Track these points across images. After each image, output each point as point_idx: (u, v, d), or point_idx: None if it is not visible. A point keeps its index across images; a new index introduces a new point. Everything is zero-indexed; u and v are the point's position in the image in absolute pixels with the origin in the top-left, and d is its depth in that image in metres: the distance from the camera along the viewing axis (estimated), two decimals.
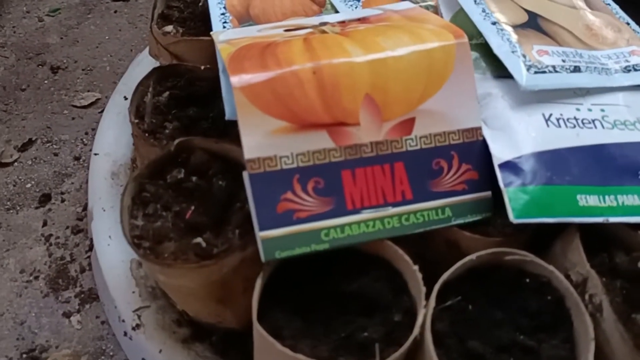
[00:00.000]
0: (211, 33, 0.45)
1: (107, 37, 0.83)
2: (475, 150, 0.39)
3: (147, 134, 0.45)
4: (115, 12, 0.87)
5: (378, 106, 0.38)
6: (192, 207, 0.39)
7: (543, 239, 0.40)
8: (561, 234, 0.39)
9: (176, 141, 0.40)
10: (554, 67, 0.41)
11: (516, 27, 0.44)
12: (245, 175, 0.35)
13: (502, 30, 0.43)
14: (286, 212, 0.35)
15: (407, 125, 0.38)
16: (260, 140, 0.35)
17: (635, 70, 0.44)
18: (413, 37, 0.40)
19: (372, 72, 0.38)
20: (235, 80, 0.36)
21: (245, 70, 0.36)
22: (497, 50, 0.41)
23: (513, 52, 0.41)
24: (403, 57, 0.38)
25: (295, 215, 0.35)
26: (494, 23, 0.43)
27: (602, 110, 0.41)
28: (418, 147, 0.38)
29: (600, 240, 0.38)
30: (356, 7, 0.50)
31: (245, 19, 0.49)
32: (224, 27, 0.48)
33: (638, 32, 0.47)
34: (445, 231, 0.39)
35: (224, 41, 0.42)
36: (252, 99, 0.36)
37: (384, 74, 0.38)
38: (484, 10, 0.45)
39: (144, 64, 0.64)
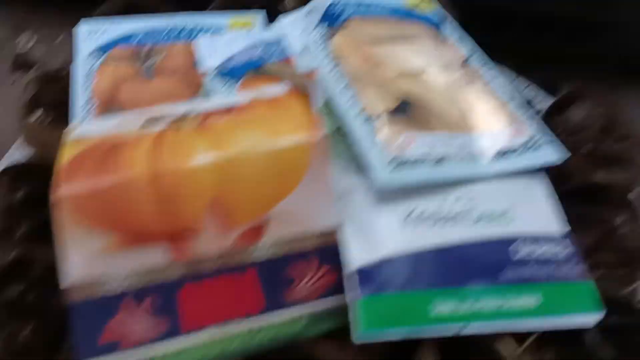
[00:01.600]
0: (69, 127, 0.42)
1: None
2: (335, 253, 0.37)
3: None
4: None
5: (225, 212, 0.35)
6: (29, 328, 0.36)
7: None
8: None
9: (12, 253, 0.37)
10: (418, 159, 0.40)
11: (384, 114, 0.42)
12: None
13: (368, 119, 0.41)
14: (111, 343, 0.32)
15: (258, 230, 0.36)
16: (82, 261, 0.32)
17: (512, 152, 0.43)
18: (270, 132, 0.38)
19: (220, 175, 0.35)
20: (60, 192, 0.33)
21: (74, 177, 0.34)
22: (358, 143, 0.40)
23: (374, 144, 0.40)
24: (255, 156, 0.36)
25: (123, 344, 0.32)
26: (360, 111, 0.42)
27: (470, 200, 0.40)
28: (271, 253, 0.36)
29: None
30: (232, 91, 0.48)
31: (112, 105, 0.47)
32: (87, 116, 0.46)
33: (518, 111, 0.46)
34: (301, 343, 0.36)
35: (76, 138, 0.39)
36: (76, 214, 0.33)
37: (233, 177, 0.36)
38: (353, 96, 0.43)
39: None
